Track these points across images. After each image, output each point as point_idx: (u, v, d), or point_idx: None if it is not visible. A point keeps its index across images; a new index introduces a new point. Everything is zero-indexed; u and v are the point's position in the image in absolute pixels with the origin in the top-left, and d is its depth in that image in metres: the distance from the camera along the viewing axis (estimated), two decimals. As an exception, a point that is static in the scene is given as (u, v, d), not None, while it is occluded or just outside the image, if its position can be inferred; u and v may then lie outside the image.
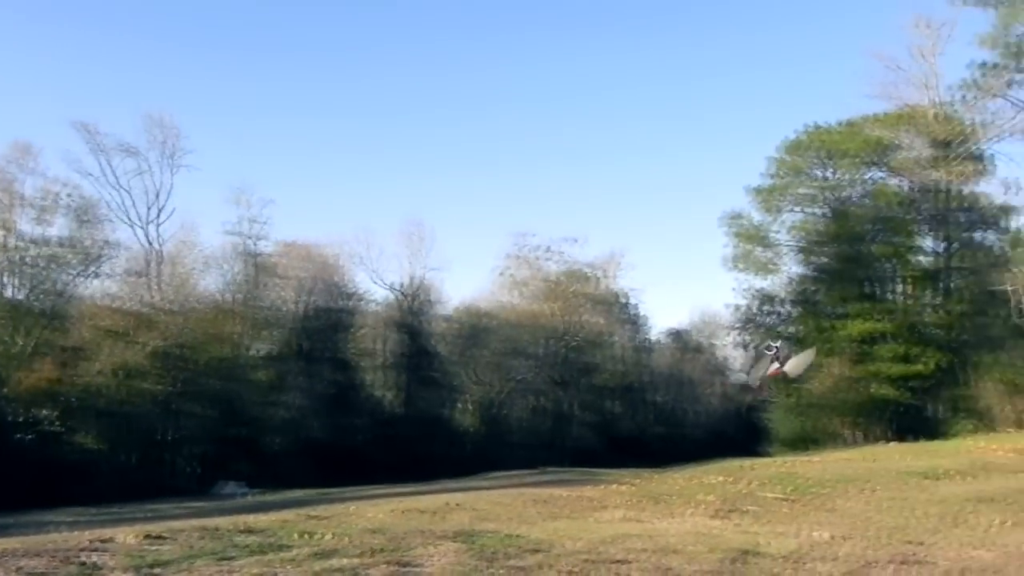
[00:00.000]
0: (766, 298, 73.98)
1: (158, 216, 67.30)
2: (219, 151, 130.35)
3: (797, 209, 69.35)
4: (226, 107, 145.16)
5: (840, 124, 64.95)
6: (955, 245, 61.61)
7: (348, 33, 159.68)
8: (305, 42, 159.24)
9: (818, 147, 66.21)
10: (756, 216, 69.46)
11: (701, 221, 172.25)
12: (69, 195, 61.33)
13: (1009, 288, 54.57)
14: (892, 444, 45.20)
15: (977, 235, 63.12)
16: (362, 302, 78.76)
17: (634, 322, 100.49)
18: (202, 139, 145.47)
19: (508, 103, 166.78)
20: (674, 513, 19.04)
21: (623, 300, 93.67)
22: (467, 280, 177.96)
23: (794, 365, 30.11)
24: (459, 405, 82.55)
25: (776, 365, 29.18)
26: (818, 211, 68.09)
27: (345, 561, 12.77)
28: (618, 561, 12.17)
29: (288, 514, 23.68)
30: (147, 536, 17.10)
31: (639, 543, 14.06)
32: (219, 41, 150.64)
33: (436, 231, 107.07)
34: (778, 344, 31.09)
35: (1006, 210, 61.30)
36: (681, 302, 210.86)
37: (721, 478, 27.15)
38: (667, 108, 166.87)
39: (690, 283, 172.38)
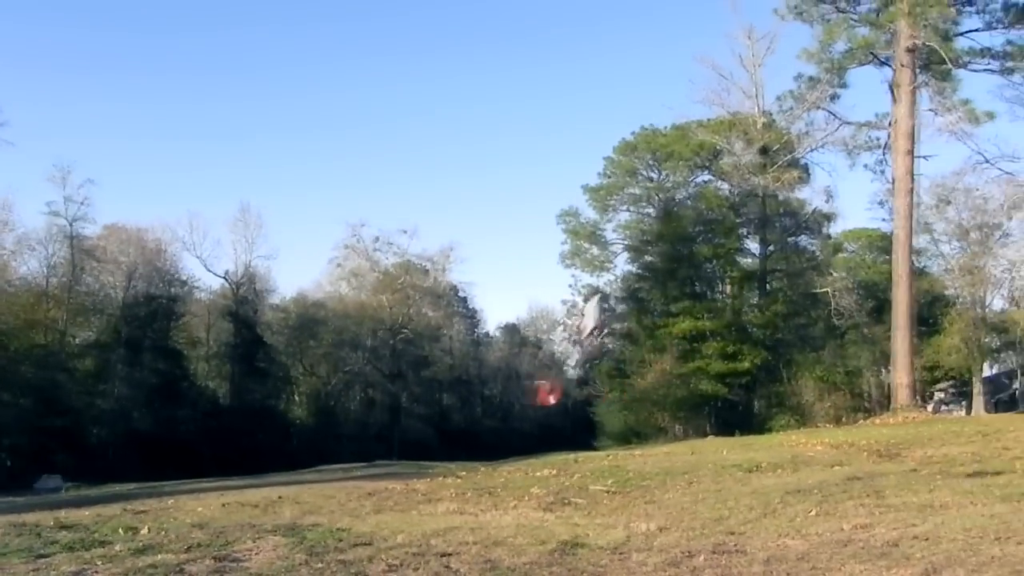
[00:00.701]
0: (597, 294, 75.59)
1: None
2: (39, 128, 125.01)
3: (628, 209, 71.11)
4: (47, 82, 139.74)
5: (671, 128, 66.76)
6: (775, 248, 64.02)
7: (178, 13, 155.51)
8: (134, 20, 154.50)
9: (649, 149, 67.95)
10: (590, 214, 70.84)
11: (540, 217, 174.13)
12: None
13: (830, 291, 56.94)
14: (713, 438, 46.50)
15: (796, 239, 65.89)
16: (188, 289, 76.72)
17: (468, 316, 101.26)
18: (19, 115, 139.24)
19: (345, 92, 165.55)
20: (502, 506, 19.17)
21: (456, 293, 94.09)
22: (300, 270, 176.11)
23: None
24: (288, 397, 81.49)
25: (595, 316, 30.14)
26: (648, 211, 69.88)
27: (164, 557, 12.43)
28: (443, 554, 12.20)
29: (108, 509, 22.88)
30: (-48, 533, 16.29)
31: (465, 535, 14.12)
32: (43, 13, 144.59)
33: (268, 219, 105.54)
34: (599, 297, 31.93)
35: (824, 217, 64.22)
36: (516, 297, 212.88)
37: (549, 471, 27.44)
38: (507, 103, 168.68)
39: (526, 279, 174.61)
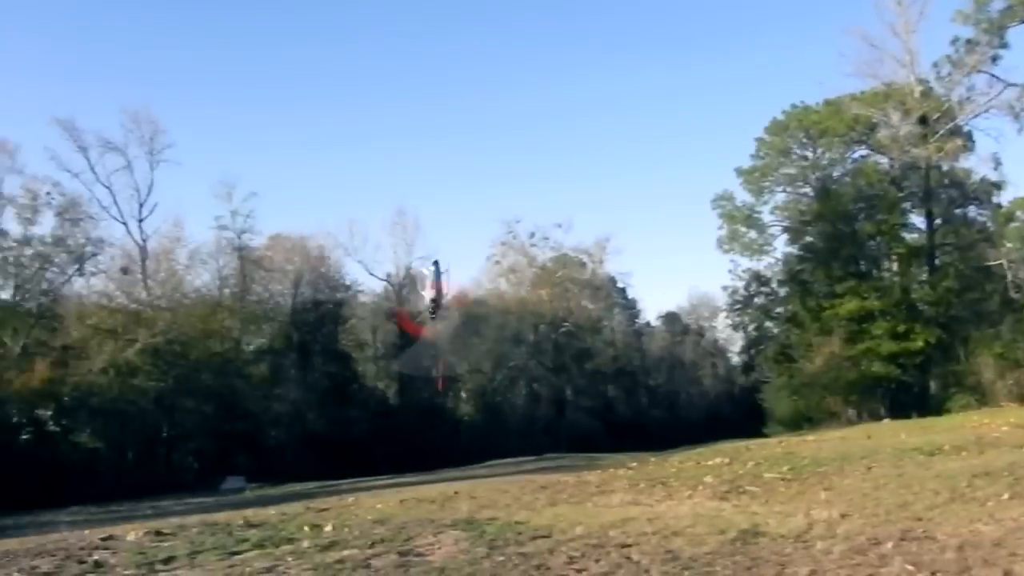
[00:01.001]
0: (756, 279, 74.26)
1: (140, 211, 66.96)
2: (202, 145, 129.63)
3: (784, 189, 69.40)
4: (207, 101, 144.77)
5: (822, 104, 64.83)
6: (942, 221, 61.65)
7: (328, 22, 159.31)
8: (285, 35, 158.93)
9: (801, 127, 66.16)
10: (744, 197, 69.50)
11: (695, 203, 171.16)
12: (48, 193, 60.91)
13: (1004, 263, 54.59)
14: (889, 421, 45.26)
15: (964, 211, 63.30)
16: (352, 293, 78.61)
17: (627, 306, 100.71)
18: (184, 133, 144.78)
19: (495, 90, 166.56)
20: (676, 496, 19.09)
21: (614, 284, 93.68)
22: (457, 268, 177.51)
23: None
24: (454, 394, 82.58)
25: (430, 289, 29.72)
26: (804, 191, 68.17)
27: (349, 552, 12.81)
28: (622, 545, 12.21)
29: (292, 507, 23.74)
30: (151, 533, 17.14)
31: (641, 526, 14.10)
32: (198, 36, 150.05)
33: (425, 220, 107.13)
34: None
35: (993, 185, 61.45)
36: (675, 285, 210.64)
37: (719, 460, 27.21)
38: (656, 91, 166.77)
39: (684, 266, 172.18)
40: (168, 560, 13.19)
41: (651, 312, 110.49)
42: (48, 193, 60.84)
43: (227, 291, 69.25)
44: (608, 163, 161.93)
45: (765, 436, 54.93)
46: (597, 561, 11.19)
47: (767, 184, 68.83)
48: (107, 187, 65.99)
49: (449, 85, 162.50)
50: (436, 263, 32.24)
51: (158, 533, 17.17)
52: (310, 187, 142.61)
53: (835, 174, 66.69)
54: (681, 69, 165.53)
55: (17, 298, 60.02)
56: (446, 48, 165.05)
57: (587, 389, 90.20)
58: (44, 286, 61.39)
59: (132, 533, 17.40)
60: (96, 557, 14.03)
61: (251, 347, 71.81)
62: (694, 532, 13.18)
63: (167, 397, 58.07)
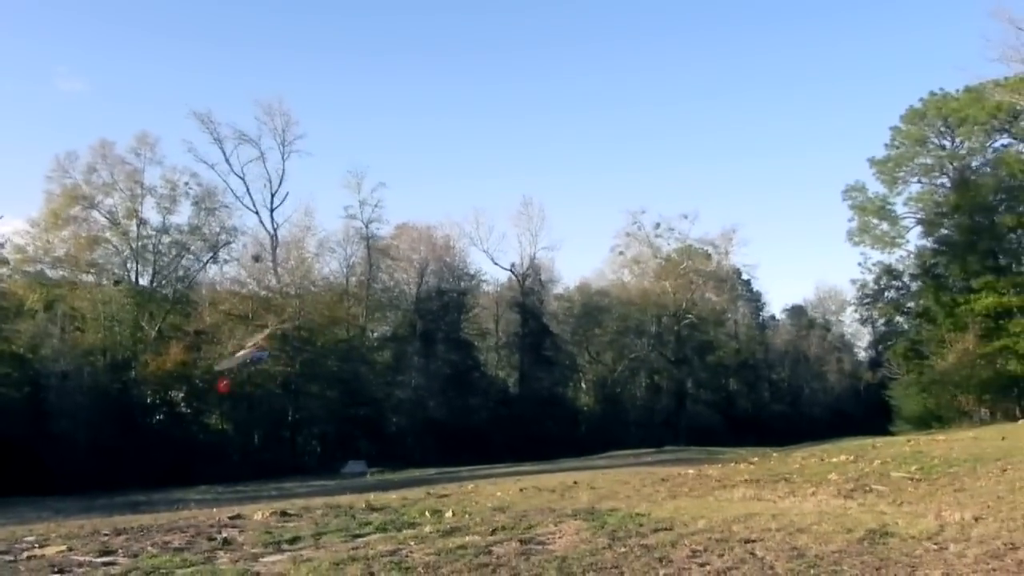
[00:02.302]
0: (887, 272, 72.28)
1: (272, 201, 68.80)
2: (332, 137, 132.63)
3: (918, 180, 67.31)
4: (337, 94, 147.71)
5: (963, 91, 62.57)
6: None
7: (452, 14, 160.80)
8: (414, 32, 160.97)
9: (939, 115, 64.04)
10: (876, 188, 67.66)
11: (822, 195, 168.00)
12: (187, 183, 63.15)
13: None
14: (1024, 422, 43.75)
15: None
16: (476, 282, 79.25)
17: (751, 299, 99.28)
18: (314, 124, 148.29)
19: (617, 80, 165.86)
20: (799, 492, 18.72)
21: (739, 276, 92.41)
22: (581, 259, 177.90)
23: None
24: (574, 384, 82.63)
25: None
26: (941, 182, 66.08)
27: (471, 539, 12.86)
28: (746, 540, 11.99)
29: (413, 492, 24.04)
30: (276, 513, 17.55)
31: (765, 522, 13.85)
32: (325, 26, 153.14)
33: (549, 210, 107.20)
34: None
35: None
36: (801, 278, 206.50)
37: (844, 457, 26.64)
38: (783, 79, 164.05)
39: (810, 258, 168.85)
40: (293, 540, 13.46)
41: (776, 305, 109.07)
42: (186, 183, 63.07)
43: (354, 279, 70.57)
44: (736, 153, 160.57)
45: (892, 434, 53.65)
46: (720, 556, 11.01)
47: (901, 174, 66.91)
48: (241, 177, 68.23)
49: (576, 78, 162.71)
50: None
51: (284, 514, 17.57)
52: (437, 177, 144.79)
53: (974, 164, 64.64)
54: (811, 57, 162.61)
55: (155, 284, 62.24)
56: (571, 43, 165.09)
57: (708, 382, 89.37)
58: (180, 273, 63.57)
59: (259, 513, 17.85)
60: (225, 535, 14.40)
61: (376, 334, 73.01)
62: (820, 530, 12.87)
63: (293, 382, 59.42)
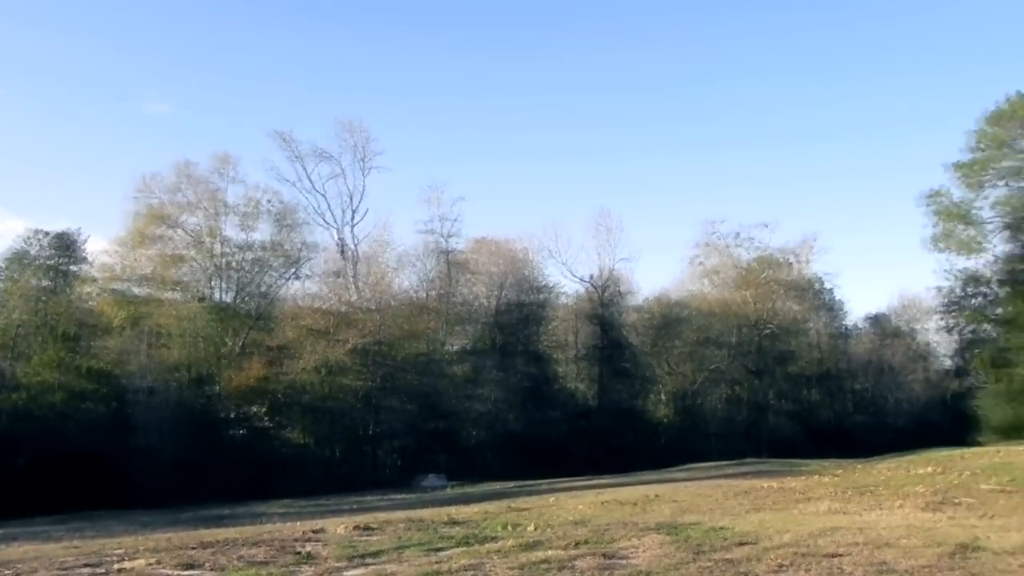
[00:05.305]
0: (971, 279, 70.58)
1: (352, 217, 69.63)
2: (410, 152, 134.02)
3: (1002, 183, 65.61)
4: (416, 110, 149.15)
5: (1050, 91, 61.03)
6: None
7: (526, 33, 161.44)
8: (487, 46, 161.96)
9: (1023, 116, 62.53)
10: (957, 193, 66.14)
11: (899, 201, 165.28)
12: (269, 201, 64.16)
13: None
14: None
15: None
16: (553, 295, 79.19)
17: (830, 308, 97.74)
18: (393, 141, 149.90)
19: (693, 89, 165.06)
20: (885, 505, 18.38)
21: (818, 285, 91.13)
22: (657, 270, 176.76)
23: None
24: (653, 396, 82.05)
25: None
26: (1026, 184, 64.44)
27: (552, 553, 12.83)
28: (831, 555, 11.79)
29: (492, 506, 24.07)
30: (357, 527, 17.69)
31: (850, 536, 13.62)
32: (406, 50, 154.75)
33: (625, 222, 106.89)
34: None
35: None
36: (880, 286, 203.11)
37: (930, 468, 26.11)
38: (859, 86, 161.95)
39: (889, 266, 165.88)
40: (376, 554, 13.55)
41: (857, 313, 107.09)
42: (269, 201, 64.07)
43: (432, 293, 70.91)
44: (814, 161, 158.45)
45: (978, 445, 52.44)
46: (806, 570, 10.83)
47: (986, 178, 65.38)
48: (321, 194, 69.19)
49: (649, 87, 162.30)
50: None
51: (365, 527, 17.70)
52: (514, 191, 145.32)
53: (1062, 166, 62.82)
54: (889, 62, 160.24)
55: (237, 300, 63.19)
56: (644, 52, 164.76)
57: (789, 393, 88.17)
58: (261, 289, 64.52)
59: (340, 527, 18.01)
60: (308, 548, 14.56)
61: (454, 348, 73.26)
62: (907, 544, 12.61)
63: (373, 396, 59.75)
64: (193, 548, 15.33)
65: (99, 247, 68.42)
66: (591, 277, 78.26)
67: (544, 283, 77.63)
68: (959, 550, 11.91)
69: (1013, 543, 12.42)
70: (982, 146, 64.86)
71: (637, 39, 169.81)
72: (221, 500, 40.49)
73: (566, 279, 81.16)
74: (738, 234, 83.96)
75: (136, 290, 61.57)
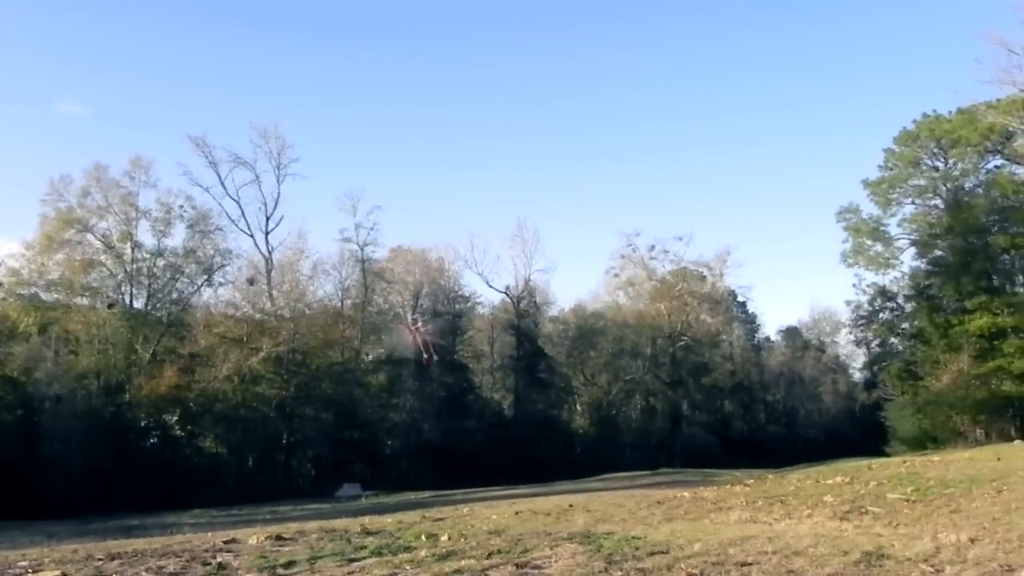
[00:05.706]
0: (881, 294, 72.29)
1: (267, 224, 68.64)
2: (326, 160, 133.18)
3: (912, 201, 67.43)
4: (332, 119, 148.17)
5: (955, 112, 62.79)
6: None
7: (446, 42, 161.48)
8: (406, 56, 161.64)
9: (932, 136, 64.21)
10: (868, 210, 67.80)
11: (816, 216, 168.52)
12: (183, 206, 62.96)
13: None
14: (1020, 443, 43.63)
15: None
16: (471, 305, 79.24)
17: (746, 320, 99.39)
18: (309, 149, 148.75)
19: (610, 100, 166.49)
20: (795, 515, 18.68)
21: (734, 298, 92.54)
22: (578, 280, 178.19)
23: None
24: (569, 406, 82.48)
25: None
26: (935, 203, 66.19)
27: (467, 563, 12.82)
28: (742, 563, 11.95)
29: (408, 516, 23.98)
30: (271, 537, 17.50)
31: (761, 545, 13.81)
32: (323, 57, 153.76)
33: (544, 231, 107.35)
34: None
35: None
36: (795, 299, 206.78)
37: (840, 479, 26.60)
38: (776, 100, 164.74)
39: (805, 280, 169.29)
40: (289, 564, 13.42)
41: (771, 326, 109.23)
42: (181, 206, 62.92)
43: (349, 302, 70.50)
44: (730, 175, 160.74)
45: (887, 455, 53.60)
46: (717, 579, 11.00)
47: (895, 196, 67.00)
48: (236, 200, 68.02)
49: (570, 101, 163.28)
50: (415, 318, 33.54)
51: (279, 538, 17.52)
52: (432, 201, 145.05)
53: (967, 185, 64.64)
54: (805, 80, 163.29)
55: (149, 307, 62.02)
56: (561, 62, 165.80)
57: (704, 404, 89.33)
58: (174, 296, 63.42)
59: (254, 537, 17.80)
60: (220, 559, 14.36)
61: (370, 357, 72.83)
62: (816, 552, 12.84)
63: (288, 405, 59.18)
64: (101, 559, 15.04)
65: (7, 251, 66.72)
66: (508, 288, 78.59)
67: (461, 293, 77.77)
68: (865, 558, 12.15)
69: (917, 551, 12.71)
70: (891, 165, 66.49)
71: (554, 50, 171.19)
72: (132, 510, 39.75)
73: (484, 289, 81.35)
74: (654, 247, 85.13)
75: (45, 295, 60.14)
